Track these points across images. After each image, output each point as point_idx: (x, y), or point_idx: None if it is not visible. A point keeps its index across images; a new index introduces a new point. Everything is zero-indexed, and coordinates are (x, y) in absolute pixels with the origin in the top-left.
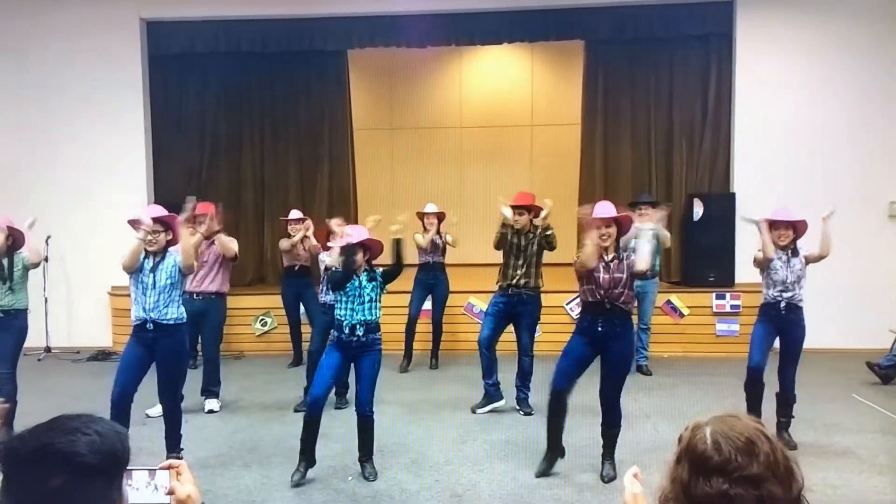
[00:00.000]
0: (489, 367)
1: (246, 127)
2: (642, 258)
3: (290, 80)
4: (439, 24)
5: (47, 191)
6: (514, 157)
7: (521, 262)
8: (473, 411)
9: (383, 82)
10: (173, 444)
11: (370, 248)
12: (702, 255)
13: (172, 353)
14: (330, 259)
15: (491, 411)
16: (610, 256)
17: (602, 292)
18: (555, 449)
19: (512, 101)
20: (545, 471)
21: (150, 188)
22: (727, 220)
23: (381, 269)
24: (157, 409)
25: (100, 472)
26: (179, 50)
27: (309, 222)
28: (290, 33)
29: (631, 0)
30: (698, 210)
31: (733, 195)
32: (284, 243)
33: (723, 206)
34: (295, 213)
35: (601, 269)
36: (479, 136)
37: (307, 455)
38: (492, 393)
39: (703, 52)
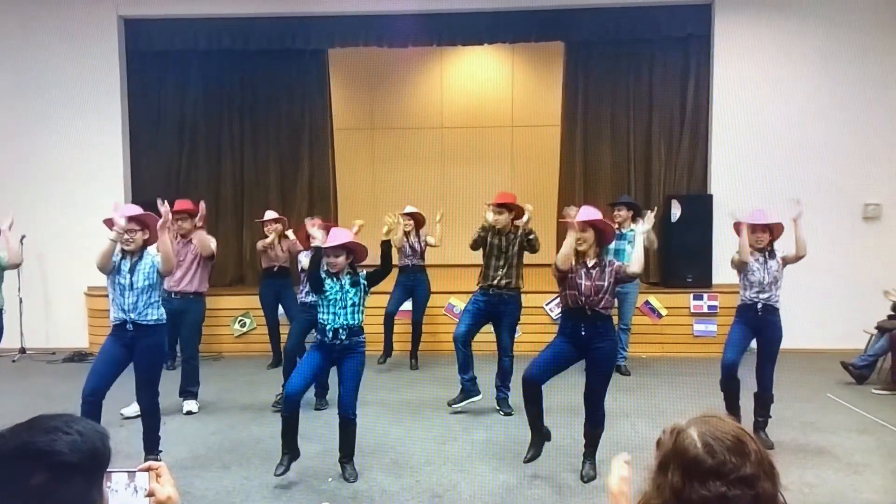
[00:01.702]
0: (465, 363)
1: (225, 126)
2: (637, 261)
3: (271, 79)
4: (420, 25)
5: (23, 189)
6: (495, 158)
7: (501, 263)
8: (450, 405)
9: (364, 82)
10: (152, 446)
11: (354, 251)
12: (680, 256)
13: (152, 353)
14: (307, 261)
15: (470, 410)
16: (591, 263)
17: (583, 299)
18: (539, 433)
19: (492, 101)
20: (534, 456)
21: (129, 187)
22: (705, 222)
23: (365, 271)
24: (132, 409)
25: (81, 472)
26: (158, 47)
27: (279, 226)
28: (271, 32)
29: (611, 2)
30: (676, 211)
31: (711, 196)
32: (259, 244)
33: (700, 207)
34: (270, 214)
35: (583, 276)
36: (459, 137)
37: (289, 448)
38: (468, 388)
39: (683, 54)
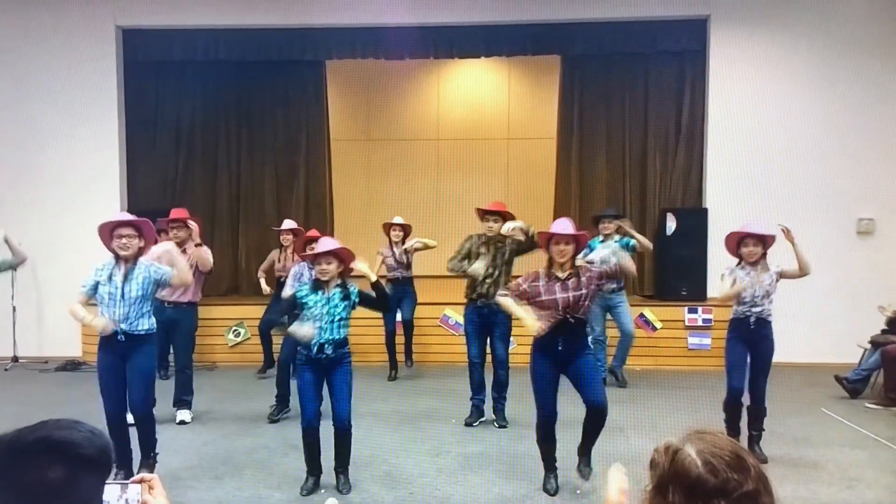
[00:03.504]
0: (481, 384)
1: (222, 136)
2: (625, 260)
3: (268, 90)
4: (418, 37)
5: (18, 196)
6: (491, 170)
7: (490, 272)
8: (468, 424)
9: (361, 93)
10: (148, 451)
11: (343, 257)
12: (674, 269)
13: (144, 362)
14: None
15: (463, 423)
16: (565, 274)
17: (563, 311)
18: (554, 468)
19: (488, 114)
20: (558, 488)
21: (125, 196)
22: (700, 235)
23: (357, 287)
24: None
25: (95, 468)
26: (156, 58)
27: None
28: (269, 43)
29: (607, 16)
30: (671, 224)
31: (706, 210)
32: (265, 265)
33: (695, 220)
34: (288, 223)
35: (557, 290)
36: (455, 149)
37: (314, 470)
38: (483, 409)
39: (678, 68)
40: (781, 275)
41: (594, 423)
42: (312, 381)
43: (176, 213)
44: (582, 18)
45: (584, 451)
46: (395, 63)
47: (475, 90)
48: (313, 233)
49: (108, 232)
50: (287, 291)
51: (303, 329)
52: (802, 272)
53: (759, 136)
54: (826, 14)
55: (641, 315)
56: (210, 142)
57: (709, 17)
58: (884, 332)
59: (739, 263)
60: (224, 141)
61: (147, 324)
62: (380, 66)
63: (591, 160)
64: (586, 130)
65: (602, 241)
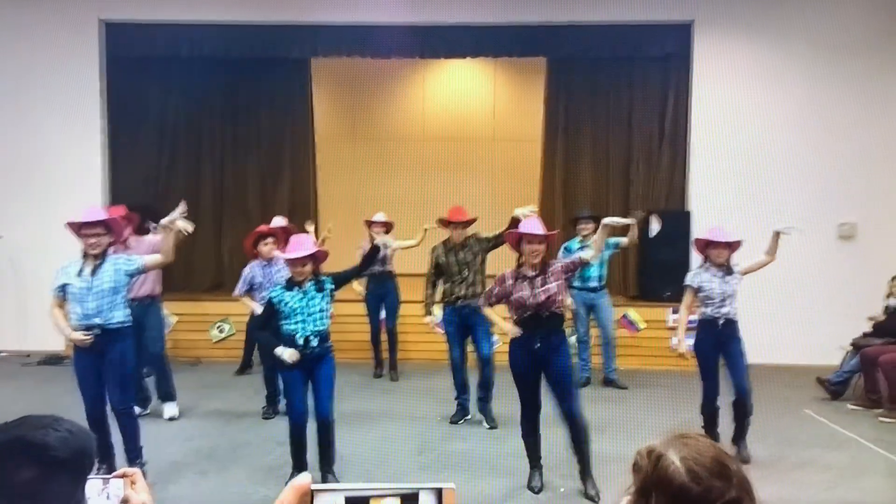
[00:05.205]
0: (464, 384)
1: (206, 132)
2: (593, 250)
3: (252, 87)
4: (404, 36)
5: (0, 191)
6: (475, 171)
7: (465, 275)
8: (452, 422)
9: (346, 92)
10: (133, 456)
11: (317, 257)
12: (658, 270)
13: (120, 357)
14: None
15: (446, 421)
16: (532, 273)
17: (534, 308)
18: (539, 463)
19: (474, 115)
20: (543, 485)
21: (107, 191)
22: (683, 238)
23: (327, 278)
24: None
25: (69, 469)
26: (140, 53)
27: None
28: (254, 40)
29: (593, 19)
30: (655, 226)
31: (689, 213)
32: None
33: (678, 223)
34: (278, 221)
35: (526, 287)
36: (441, 149)
37: (299, 465)
38: (468, 408)
39: (663, 72)
40: (744, 272)
41: (575, 437)
42: (299, 377)
43: (114, 211)
44: (568, 21)
45: (585, 473)
46: (380, 62)
47: (461, 90)
48: (264, 227)
49: (76, 231)
50: (237, 293)
51: (287, 352)
52: (770, 258)
53: (742, 140)
54: (809, 20)
55: (625, 315)
56: (194, 138)
57: (692, 22)
58: (865, 334)
59: (703, 265)
60: (208, 137)
61: (121, 316)
62: (366, 65)
63: (575, 162)
64: (571, 132)
65: (581, 242)
